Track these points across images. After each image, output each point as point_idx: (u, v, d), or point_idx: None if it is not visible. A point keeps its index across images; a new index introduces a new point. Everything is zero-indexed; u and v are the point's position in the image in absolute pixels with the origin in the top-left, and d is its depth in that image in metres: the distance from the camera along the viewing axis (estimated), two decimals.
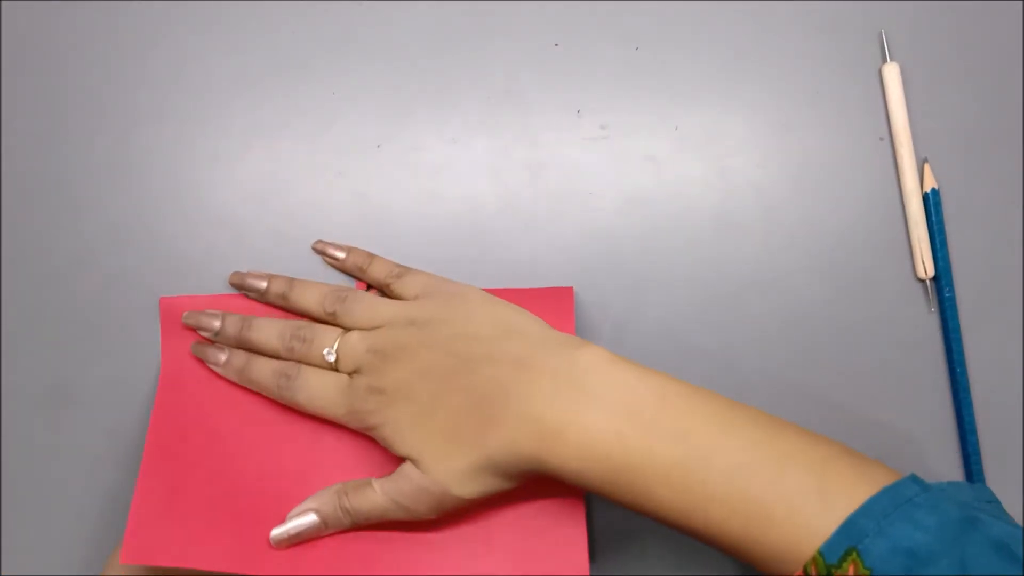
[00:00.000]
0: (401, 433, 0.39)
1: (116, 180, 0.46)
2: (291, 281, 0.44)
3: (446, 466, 0.38)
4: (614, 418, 0.35)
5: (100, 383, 0.45)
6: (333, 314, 0.42)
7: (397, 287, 0.42)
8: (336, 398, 0.40)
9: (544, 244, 0.45)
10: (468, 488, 0.38)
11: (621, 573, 0.43)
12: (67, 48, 0.47)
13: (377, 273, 0.44)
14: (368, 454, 0.42)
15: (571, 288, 0.43)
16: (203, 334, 0.44)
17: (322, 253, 0.45)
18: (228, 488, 0.41)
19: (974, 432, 0.44)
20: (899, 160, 0.45)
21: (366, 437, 0.41)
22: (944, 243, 0.45)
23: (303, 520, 0.40)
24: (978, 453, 0.43)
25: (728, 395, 0.45)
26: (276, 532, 0.40)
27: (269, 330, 0.42)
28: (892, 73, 0.46)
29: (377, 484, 0.39)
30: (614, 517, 0.43)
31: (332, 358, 0.41)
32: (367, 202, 0.46)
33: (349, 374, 0.41)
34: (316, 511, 0.40)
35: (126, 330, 0.45)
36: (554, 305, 0.42)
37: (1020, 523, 0.34)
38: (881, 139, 0.46)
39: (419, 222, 0.46)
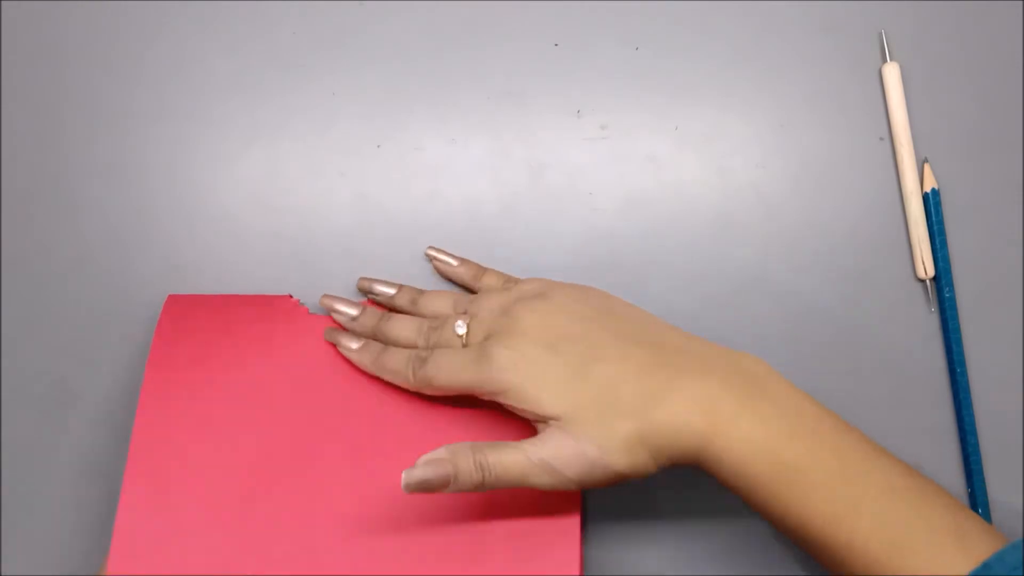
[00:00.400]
0: (549, 390, 0.37)
1: (116, 180, 0.46)
2: (420, 290, 0.44)
3: (601, 431, 0.36)
4: (785, 417, 0.36)
5: (100, 383, 0.45)
6: (464, 313, 0.41)
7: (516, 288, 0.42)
8: (467, 364, 0.38)
9: (544, 244, 0.45)
10: (623, 459, 0.36)
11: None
12: (67, 48, 0.47)
13: (492, 280, 0.44)
14: (361, 471, 0.41)
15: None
16: (338, 319, 0.43)
17: (434, 259, 0.45)
18: (216, 494, 0.41)
19: (974, 432, 0.44)
20: (899, 160, 0.45)
21: (361, 450, 0.40)
22: (944, 243, 0.45)
23: (437, 467, 0.36)
24: (978, 453, 0.43)
25: None
26: (407, 475, 0.36)
27: (405, 323, 0.42)
28: (892, 73, 0.46)
29: (521, 444, 0.37)
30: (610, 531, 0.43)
31: (462, 330, 0.40)
32: (367, 202, 0.46)
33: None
34: (450, 460, 0.36)
35: (126, 330, 0.45)
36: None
37: None
38: (881, 139, 0.46)
39: (419, 222, 0.46)
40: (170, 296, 0.44)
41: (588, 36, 0.46)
